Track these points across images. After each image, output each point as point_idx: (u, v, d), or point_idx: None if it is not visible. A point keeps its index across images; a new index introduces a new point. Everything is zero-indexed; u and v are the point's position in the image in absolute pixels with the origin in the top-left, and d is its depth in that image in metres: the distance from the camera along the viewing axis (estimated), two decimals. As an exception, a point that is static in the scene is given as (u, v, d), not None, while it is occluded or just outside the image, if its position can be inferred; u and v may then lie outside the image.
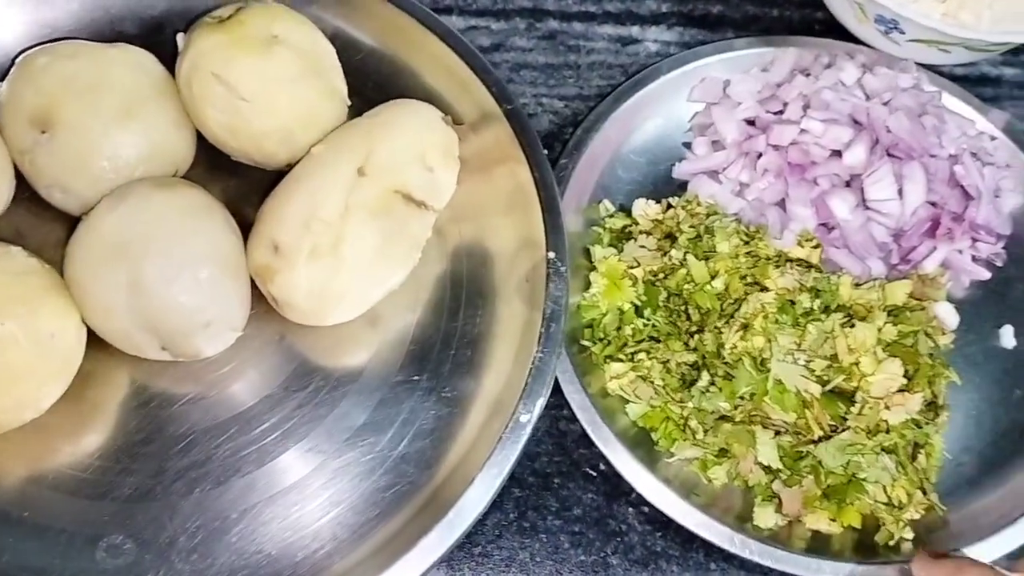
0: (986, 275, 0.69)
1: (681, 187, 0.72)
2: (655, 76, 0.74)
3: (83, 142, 0.60)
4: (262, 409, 0.60)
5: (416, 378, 0.61)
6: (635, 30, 0.81)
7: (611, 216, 0.69)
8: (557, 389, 0.61)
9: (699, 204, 0.68)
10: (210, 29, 0.61)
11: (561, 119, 0.76)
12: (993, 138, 0.73)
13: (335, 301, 0.59)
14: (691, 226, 0.66)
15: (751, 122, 0.71)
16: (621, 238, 0.67)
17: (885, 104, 0.68)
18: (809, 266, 0.65)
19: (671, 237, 0.66)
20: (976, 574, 0.52)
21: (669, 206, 0.69)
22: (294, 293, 0.58)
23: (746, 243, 0.65)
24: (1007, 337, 0.67)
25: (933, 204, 0.67)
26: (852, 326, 0.60)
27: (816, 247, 0.66)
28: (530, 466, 0.62)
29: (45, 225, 0.64)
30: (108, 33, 0.71)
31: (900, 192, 0.66)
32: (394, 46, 0.72)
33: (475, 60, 0.69)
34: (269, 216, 0.59)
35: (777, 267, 0.63)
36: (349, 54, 0.71)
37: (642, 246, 0.66)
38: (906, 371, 0.60)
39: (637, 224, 0.68)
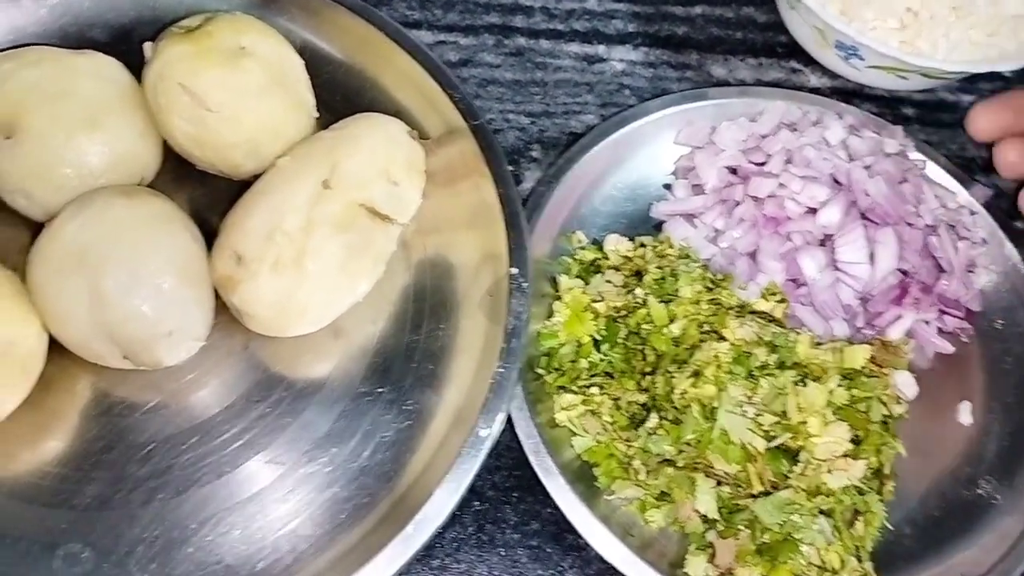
0: (950, 349, 0.68)
1: (657, 227, 0.72)
2: (643, 114, 0.74)
3: (47, 150, 0.60)
4: (224, 419, 0.60)
5: (379, 390, 0.62)
6: (601, 49, 0.83)
7: (583, 248, 0.69)
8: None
9: (671, 246, 0.68)
10: (177, 39, 0.62)
11: (527, 135, 0.77)
12: (973, 212, 0.72)
13: (298, 313, 0.59)
14: (658, 267, 0.66)
15: (733, 170, 0.72)
16: (590, 271, 0.68)
17: (867, 168, 0.69)
18: (771, 320, 0.65)
19: (639, 275, 0.66)
20: None
21: (641, 245, 0.69)
22: (256, 304, 0.58)
23: (710, 290, 0.65)
24: (964, 413, 0.67)
25: (904, 272, 0.67)
26: (805, 385, 0.60)
27: (781, 301, 0.66)
28: (490, 480, 0.63)
29: (8, 230, 0.64)
30: (77, 39, 0.71)
31: (871, 257, 0.66)
32: (363, 60, 0.73)
33: (442, 75, 0.70)
34: (233, 227, 0.59)
35: (738, 317, 0.63)
36: (318, 67, 0.71)
37: (608, 281, 0.66)
38: (856, 436, 0.60)
39: (607, 259, 0.68)
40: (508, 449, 0.63)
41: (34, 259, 0.57)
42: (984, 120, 0.69)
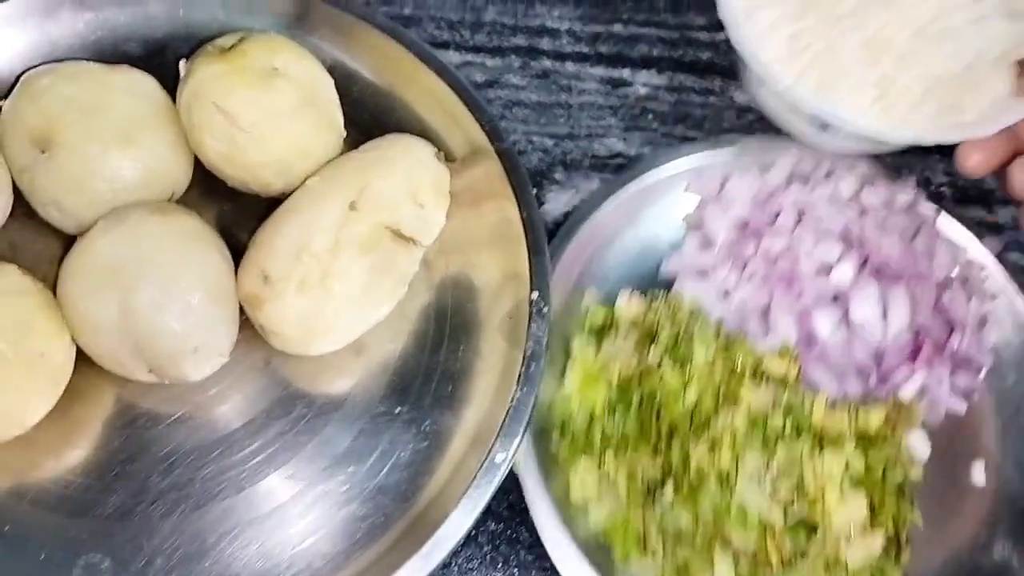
0: (963, 407, 0.67)
1: (671, 283, 0.70)
2: (653, 165, 0.73)
3: (81, 164, 0.61)
4: (245, 433, 0.61)
5: (397, 410, 0.62)
6: (626, 72, 0.83)
7: (595, 308, 0.68)
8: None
9: (682, 305, 0.67)
10: (212, 58, 0.63)
11: (551, 157, 0.78)
12: (983, 268, 0.71)
13: (321, 332, 0.60)
14: (672, 327, 0.65)
15: (744, 224, 0.70)
16: (603, 332, 0.67)
17: (880, 222, 0.68)
18: (786, 383, 0.64)
19: (652, 336, 0.66)
20: None
21: (653, 301, 0.68)
22: (282, 323, 0.59)
23: (724, 350, 0.64)
24: (977, 473, 0.66)
25: (916, 330, 0.66)
26: (821, 450, 0.60)
27: (795, 359, 0.65)
28: (506, 500, 0.64)
29: (40, 241, 0.65)
30: (112, 53, 0.72)
31: (884, 314, 0.65)
32: (391, 80, 0.73)
33: (469, 97, 0.70)
34: (261, 246, 0.60)
35: (752, 380, 0.62)
36: (347, 85, 0.72)
37: (621, 343, 0.65)
38: (871, 503, 0.59)
39: (619, 319, 0.67)
40: (524, 471, 0.64)
41: (66, 272, 0.58)
42: (978, 152, 0.65)
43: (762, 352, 0.65)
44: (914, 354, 0.65)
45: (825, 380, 0.65)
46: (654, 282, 0.71)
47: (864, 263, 0.67)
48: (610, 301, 0.69)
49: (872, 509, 0.60)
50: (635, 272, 0.72)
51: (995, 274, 0.71)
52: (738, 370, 0.63)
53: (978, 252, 0.72)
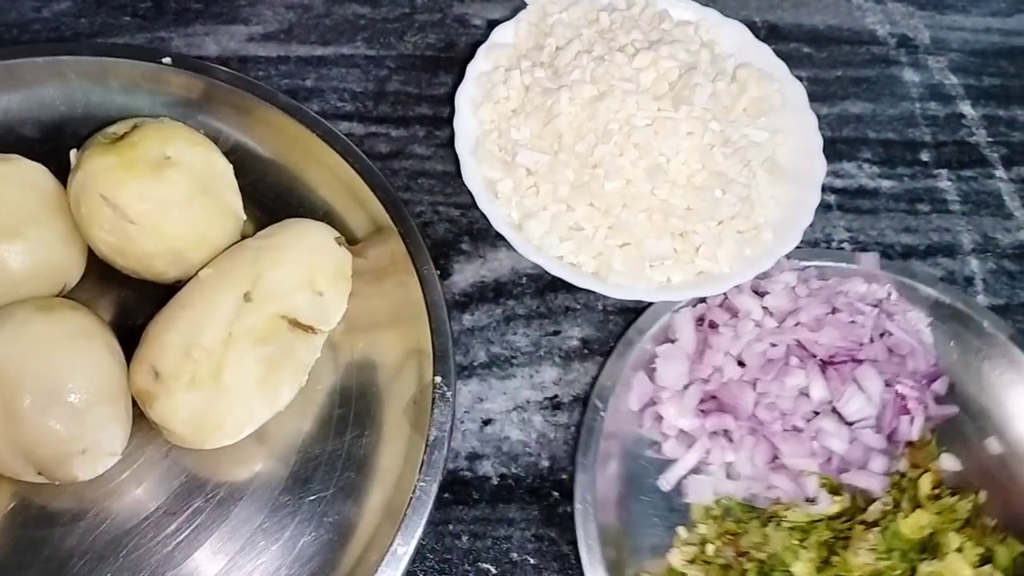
0: (954, 409, 0.69)
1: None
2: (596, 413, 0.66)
3: (-33, 260, 0.60)
4: (141, 530, 0.60)
5: (300, 499, 0.62)
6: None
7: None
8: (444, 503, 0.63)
9: (724, 518, 0.64)
10: (102, 150, 0.62)
11: (457, 227, 0.77)
12: (883, 282, 0.73)
13: (214, 428, 0.59)
14: (746, 563, 0.62)
15: (701, 399, 0.68)
16: None
17: (803, 321, 0.69)
18: (844, 518, 0.64)
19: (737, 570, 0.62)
20: None
21: (703, 541, 0.64)
22: (173, 420, 0.58)
23: (802, 540, 0.62)
24: (994, 446, 0.68)
25: (887, 383, 0.67)
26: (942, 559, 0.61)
27: (842, 487, 0.65)
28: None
29: (-73, 337, 0.63)
30: (7, 136, 0.72)
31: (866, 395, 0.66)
32: (294, 159, 0.74)
33: (372, 176, 0.71)
34: (151, 341, 0.59)
35: (840, 543, 0.62)
36: (249, 166, 0.72)
37: None
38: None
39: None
40: (433, 552, 0.63)
41: (-51, 375, 0.57)
42: None
43: (818, 512, 0.64)
44: (903, 405, 0.67)
45: (860, 480, 0.65)
46: (665, 504, 0.66)
47: (824, 368, 0.67)
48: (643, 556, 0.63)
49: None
50: (662, 505, 0.66)
51: (890, 279, 0.73)
52: (827, 549, 0.63)
53: (865, 271, 0.74)
